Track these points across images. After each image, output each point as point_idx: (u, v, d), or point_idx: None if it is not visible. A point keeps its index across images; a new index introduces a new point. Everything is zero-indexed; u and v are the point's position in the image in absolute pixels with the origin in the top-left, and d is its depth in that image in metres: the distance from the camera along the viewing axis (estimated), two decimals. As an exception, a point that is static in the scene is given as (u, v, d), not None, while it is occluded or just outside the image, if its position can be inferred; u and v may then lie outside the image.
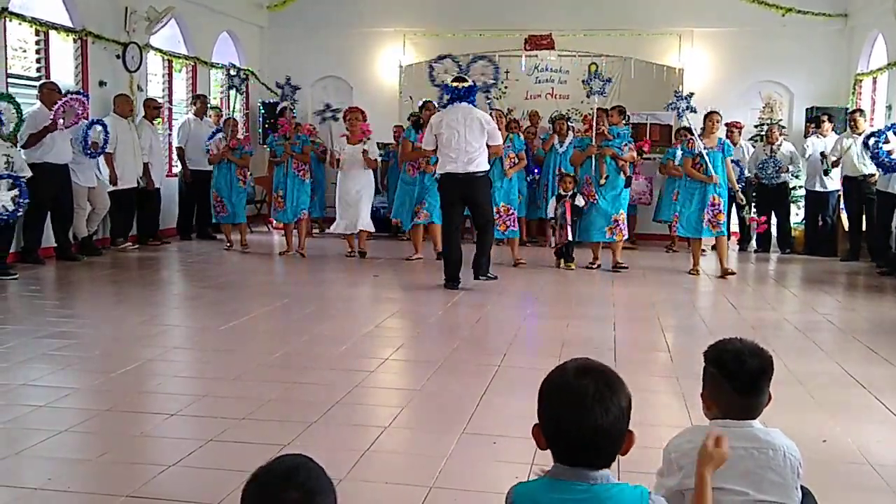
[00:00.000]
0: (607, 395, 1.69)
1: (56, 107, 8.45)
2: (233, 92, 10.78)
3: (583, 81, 9.75)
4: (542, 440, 1.76)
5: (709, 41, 12.91)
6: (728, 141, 9.35)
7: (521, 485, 1.78)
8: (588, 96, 9.45)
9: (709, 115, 8.88)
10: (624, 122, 9.68)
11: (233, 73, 10.64)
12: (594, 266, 9.12)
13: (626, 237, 9.34)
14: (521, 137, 10.24)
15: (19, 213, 7.87)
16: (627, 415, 1.72)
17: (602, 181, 8.93)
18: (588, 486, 1.69)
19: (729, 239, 9.49)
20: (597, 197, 8.98)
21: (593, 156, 9.02)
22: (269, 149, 10.16)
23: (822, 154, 10.74)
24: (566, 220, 8.95)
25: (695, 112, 9.02)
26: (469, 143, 7.54)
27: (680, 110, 9.11)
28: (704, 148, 8.68)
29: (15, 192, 7.72)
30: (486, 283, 7.77)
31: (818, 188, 10.91)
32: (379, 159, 10.06)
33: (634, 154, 9.50)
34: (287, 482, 1.49)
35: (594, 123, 9.10)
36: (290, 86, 10.17)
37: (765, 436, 2.16)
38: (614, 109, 9.47)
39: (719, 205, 8.74)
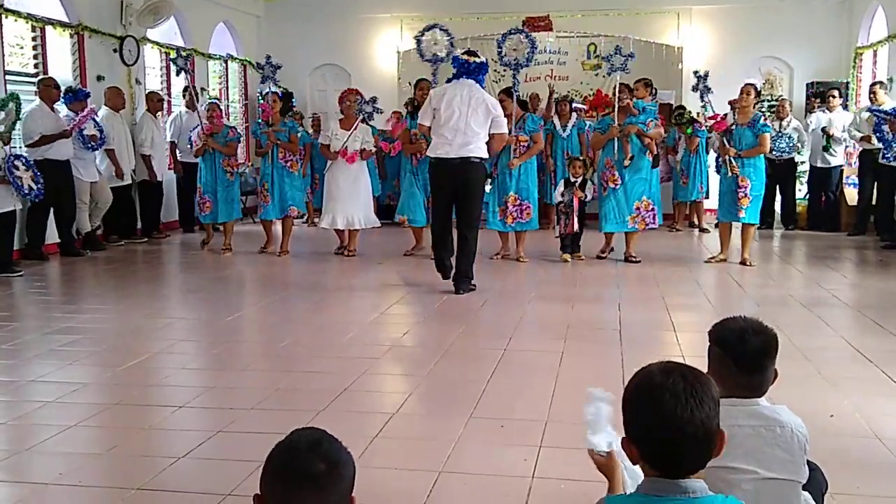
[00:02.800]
0: (699, 389, 1.63)
1: (79, 117, 8.75)
2: (183, 75, 9.52)
3: (604, 58, 8.85)
4: (635, 451, 1.65)
5: (707, 18, 12.84)
6: (763, 117, 8.27)
7: (612, 498, 1.70)
8: (608, 74, 8.64)
9: (743, 89, 8.02)
10: (651, 96, 8.92)
11: (172, 55, 9.56)
12: (605, 255, 8.46)
13: (654, 226, 8.41)
14: (538, 116, 9.32)
15: (42, 194, 7.99)
16: (717, 410, 1.66)
17: (627, 162, 8.09)
18: (689, 499, 1.61)
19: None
20: (619, 181, 8.16)
21: (615, 137, 8.14)
22: (254, 138, 9.32)
23: (824, 130, 10.72)
24: (573, 209, 8.23)
25: (711, 91, 8.33)
26: (469, 125, 6.65)
27: (702, 93, 8.33)
28: (733, 125, 7.96)
29: (31, 172, 7.88)
30: (487, 267, 7.74)
31: (821, 164, 10.92)
32: (373, 149, 9.11)
33: (661, 130, 8.71)
34: (313, 454, 1.53)
35: (616, 99, 8.21)
36: (271, 65, 9.21)
37: (771, 413, 2.15)
38: (639, 82, 8.60)
39: (746, 187, 7.91)
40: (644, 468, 1.66)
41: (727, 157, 7.91)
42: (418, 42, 8.82)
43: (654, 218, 8.32)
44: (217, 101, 9.90)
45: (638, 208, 8.21)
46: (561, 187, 8.45)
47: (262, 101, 9.35)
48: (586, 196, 8.27)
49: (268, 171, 8.97)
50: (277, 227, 9.40)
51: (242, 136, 10.55)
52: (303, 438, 1.57)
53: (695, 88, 8.47)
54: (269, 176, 8.94)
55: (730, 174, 7.95)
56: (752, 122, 7.93)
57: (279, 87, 9.91)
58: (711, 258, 8.31)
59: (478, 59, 6.84)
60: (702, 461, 1.64)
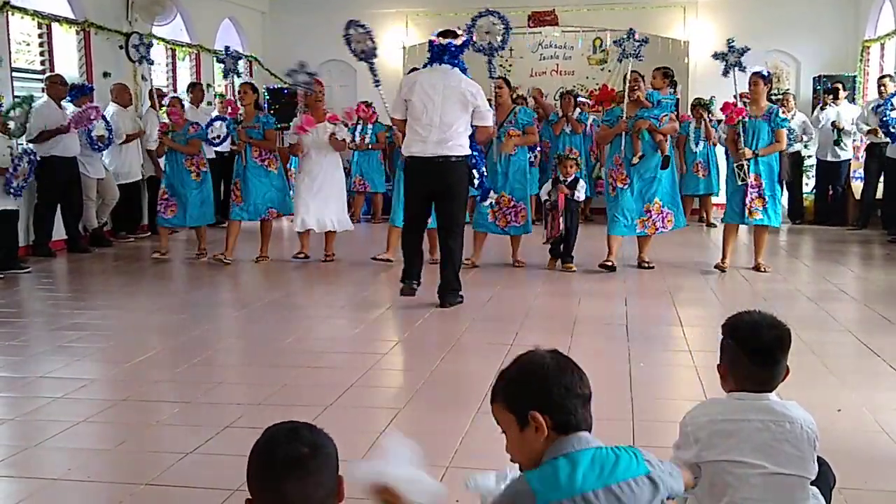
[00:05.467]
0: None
1: (75, 114, 8.59)
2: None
3: (614, 42, 8.22)
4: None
5: (713, 12, 12.81)
6: (781, 109, 7.66)
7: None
8: (620, 60, 8.03)
9: (750, 79, 7.35)
10: (670, 88, 8.16)
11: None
12: (609, 264, 7.38)
13: (666, 230, 7.52)
14: (530, 109, 8.83)
15: (20, 194, 7.93)
16: None
17: (635, 160, 7.26)
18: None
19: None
20: (628, 181, 7.36)
21: (624, 132, 7.34)
22: (227, 132, 8.66)
23: (833, 124, 10.69)
24: (558, 210, 7.41)
25: (743, 70, 7.66)
26: (442, 119, 5.74)
27: (728, 64, 7.56)
28: (746, 116, 7.22)
29: (27, 169, 7.91)
30: (488, 265, 7.70)
31: (830, 158, 10.89)
32: (348, 140, 8.43)
33: (676, 126, 7.97)
34: (294, 441, 1.56)
35: (626, 90, 7.37)
36: (232, 56, 8.62)
37: (781, 408, 2.15)
38: (658, 71, 7.73)
39: (760, 186, 7.19)
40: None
41: (742, 161, 7.18)
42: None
43: (665, 222, 7.48)
44: (179, 97, 9.44)
45: (648, 211, 7.39)
46: (548, 186, 7.69)
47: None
48: (573, 194, 7.49)
49: (239, 169, 8.20)
50: (255, 229, 8.69)
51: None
52: (280, 430, 1.61)
53: (717, 57, 7.74)
54: (243, 175, 8.16)
55: (739, 181, 7.24)
56: (767, 115, 7.23)
57: (285, 84, 9.85)
58: (718, 266, 7.46)
59: (455, 40, 5.85)
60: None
